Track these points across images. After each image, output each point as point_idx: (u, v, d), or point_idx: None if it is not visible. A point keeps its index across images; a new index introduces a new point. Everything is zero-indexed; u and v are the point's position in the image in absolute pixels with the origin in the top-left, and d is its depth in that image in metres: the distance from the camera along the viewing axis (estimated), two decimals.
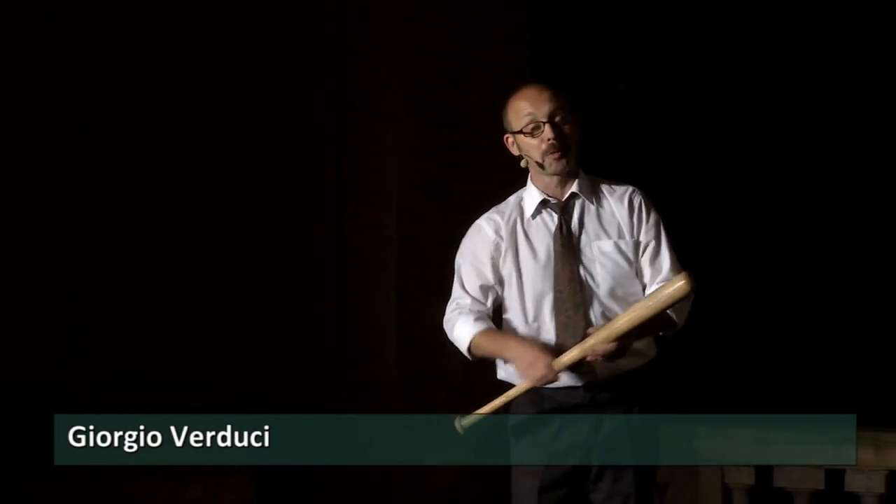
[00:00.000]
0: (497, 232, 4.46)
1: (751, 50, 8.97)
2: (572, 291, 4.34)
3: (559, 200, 4.42)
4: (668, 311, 4.26)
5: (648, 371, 4.46)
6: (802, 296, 8.98)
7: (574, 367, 4.29)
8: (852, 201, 8.95)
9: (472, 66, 7.54)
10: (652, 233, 4.41)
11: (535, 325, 4.40)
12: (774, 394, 8.59)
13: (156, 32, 7.20)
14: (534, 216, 4.43)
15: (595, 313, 4.34)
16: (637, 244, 4.39)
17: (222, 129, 7.31)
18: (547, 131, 4.35)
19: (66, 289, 7.02)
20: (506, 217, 4.48)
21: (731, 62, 8.96)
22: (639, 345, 4.36)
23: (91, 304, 7.04)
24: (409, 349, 7.38)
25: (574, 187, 4.42)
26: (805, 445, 6.87)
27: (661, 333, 4.41)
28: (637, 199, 4.43)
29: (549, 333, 4.38)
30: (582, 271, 4.36)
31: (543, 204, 4.43)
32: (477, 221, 4.50)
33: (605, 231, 4.39)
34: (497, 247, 4.45)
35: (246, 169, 7.36)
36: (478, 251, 4.46)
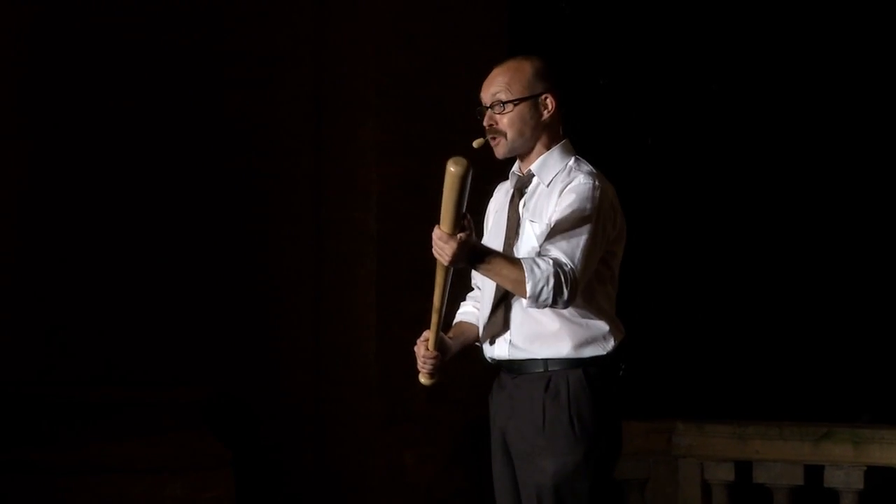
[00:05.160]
0: (492, 202, 4.53)
1: (733, 44, 8.98)
2: None
3: (521, 176, 4.43)
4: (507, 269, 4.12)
5: (584, 369, 4.30)
6: (780, 295, 9.00)
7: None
8: (822, 209, 8.98)
9: (451, 63, 7.54)
10: (562, 213, 4.21)
11: (481, 287, 4.48)
12: (753, 393, 8.60)
13: (130, 29, 7.18)
14: (510, 187, 4.46)
15: None
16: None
17: (199, 126, 7.29)
18: (486, 117, 4.40)
19: (43, 286, 6.99)
20: (502, 187, 4.54)
21: (713, 58, 8.97)
22: (552, 327, 4.28)
23: (67, 301, 7.02)
24: (389, 347, 7.37)
25: (534, 165, 4.38)
26: (784, 441, 6.90)
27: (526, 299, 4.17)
28: (570, 185, 4.27)
29: (488, 300, 4.40)
30: (516, 244, 4.34)
31: (512, 176, 4.47)
32: None
33: (538, 211, 4.32)
34: (487, 219, 4.55)
35: (223, 165, 7.34)
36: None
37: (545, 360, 4.31)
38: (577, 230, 4.19)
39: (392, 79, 7.49)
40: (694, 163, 8.95)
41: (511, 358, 4.36)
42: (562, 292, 4.12)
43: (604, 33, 8.83)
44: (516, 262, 4.15)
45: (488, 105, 4.39)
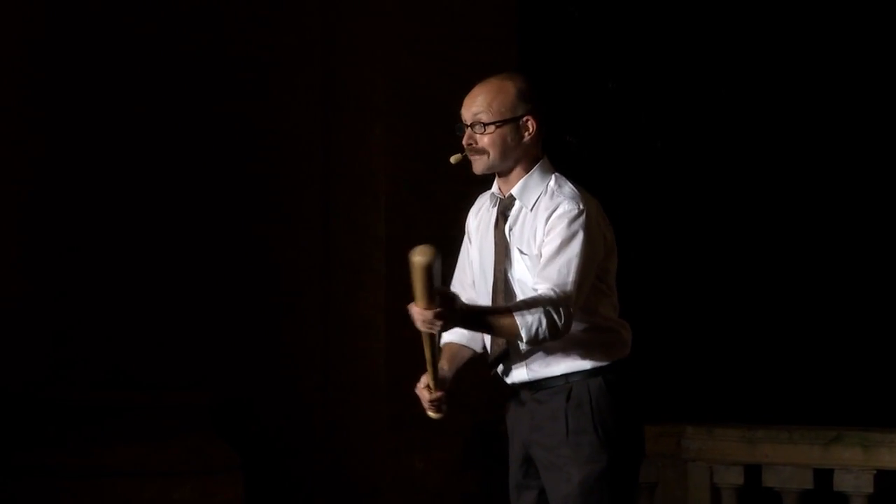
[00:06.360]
0: (473, 215, 4.49)
1: (742, 48, 8.98)
2: (501, 288, 4.33)
3: (502, 198, 4.40)
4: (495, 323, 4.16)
5: (600, 383, 4.31)
6: (790, 299, 9.00)
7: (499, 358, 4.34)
8: (832, 212, 8.98)
9: (460, 67, 7.53)
10: (550, 245, 4.22)
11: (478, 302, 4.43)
12: (763, 396, 8.60)
13: (139, 32, 7.18)
14: (490, 207, 4.44)
15: None
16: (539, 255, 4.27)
17: (208, 130, 7.29)
18: (465, 136, 4.37)
19: (50, 289, 7.00)
20: (482, 201, 4.50)
21: (722, 61, 8.97)
22: (567, 344, 4.28)
23: (75, 304, 7.02)
24: (398, 350, 7.37)
25: (515, 189, 4.36)
26: (793, 445, 6.89)
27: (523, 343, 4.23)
28: (555, 213, 4.25)
29: None
30: (509, 270, 4.34)
31: (493, 197, 4.44)
32: None
33: (525, 239, 4.31)
34: (469, 230, 4.50)
35: (232, 169, 7.34)
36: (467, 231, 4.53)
37: (566, 374, 4.33)
38: (567, 260, 4.20)
39: (400, 82, 7.49)
40: (703, 166, 8.95)
41: (531, 379, 4.37)
42: (556, 329, 4.16)
43: (613, 37, 8.84)
44: (505, 313, 4.17)
45: (468, 124, 4.37)
